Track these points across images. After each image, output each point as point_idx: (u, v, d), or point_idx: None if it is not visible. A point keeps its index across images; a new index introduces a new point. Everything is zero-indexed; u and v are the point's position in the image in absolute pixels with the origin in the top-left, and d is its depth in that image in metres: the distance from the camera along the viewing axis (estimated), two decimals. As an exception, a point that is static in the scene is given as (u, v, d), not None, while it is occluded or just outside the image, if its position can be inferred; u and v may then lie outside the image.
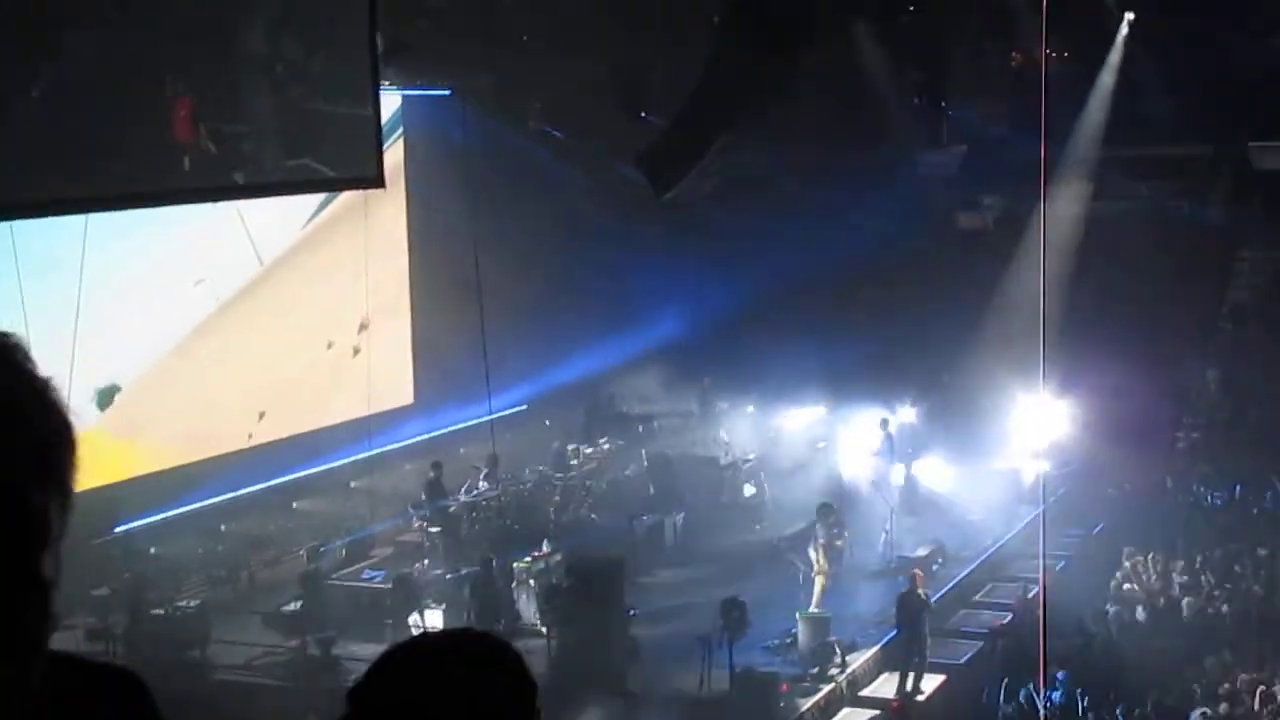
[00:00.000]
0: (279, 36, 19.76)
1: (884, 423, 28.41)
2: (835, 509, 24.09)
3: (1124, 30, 31.66)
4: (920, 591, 21.73)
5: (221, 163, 19.17)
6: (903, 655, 21.58)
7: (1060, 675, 20.20)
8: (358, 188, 24.44)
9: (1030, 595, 23.24)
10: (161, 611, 21.44)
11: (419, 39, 25.69)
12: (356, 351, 28.80)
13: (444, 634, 2.12)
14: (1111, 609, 23.34)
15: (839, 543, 23.63)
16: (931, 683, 21.52)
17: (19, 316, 17.64)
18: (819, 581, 23.08)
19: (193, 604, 21.84)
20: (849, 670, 21.45)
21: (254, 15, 19.56)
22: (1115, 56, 31.86)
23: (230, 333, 26.36)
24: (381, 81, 23.84)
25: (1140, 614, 23.20)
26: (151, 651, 19.63)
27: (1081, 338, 27.74)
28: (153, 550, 23.55)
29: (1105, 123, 32.25)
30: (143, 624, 20.97)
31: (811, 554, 23.33)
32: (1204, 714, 19.30)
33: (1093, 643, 21.99)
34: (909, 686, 21.22)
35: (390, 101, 27.67)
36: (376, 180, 22.28)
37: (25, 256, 20.47)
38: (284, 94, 19.87)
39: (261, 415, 26.85)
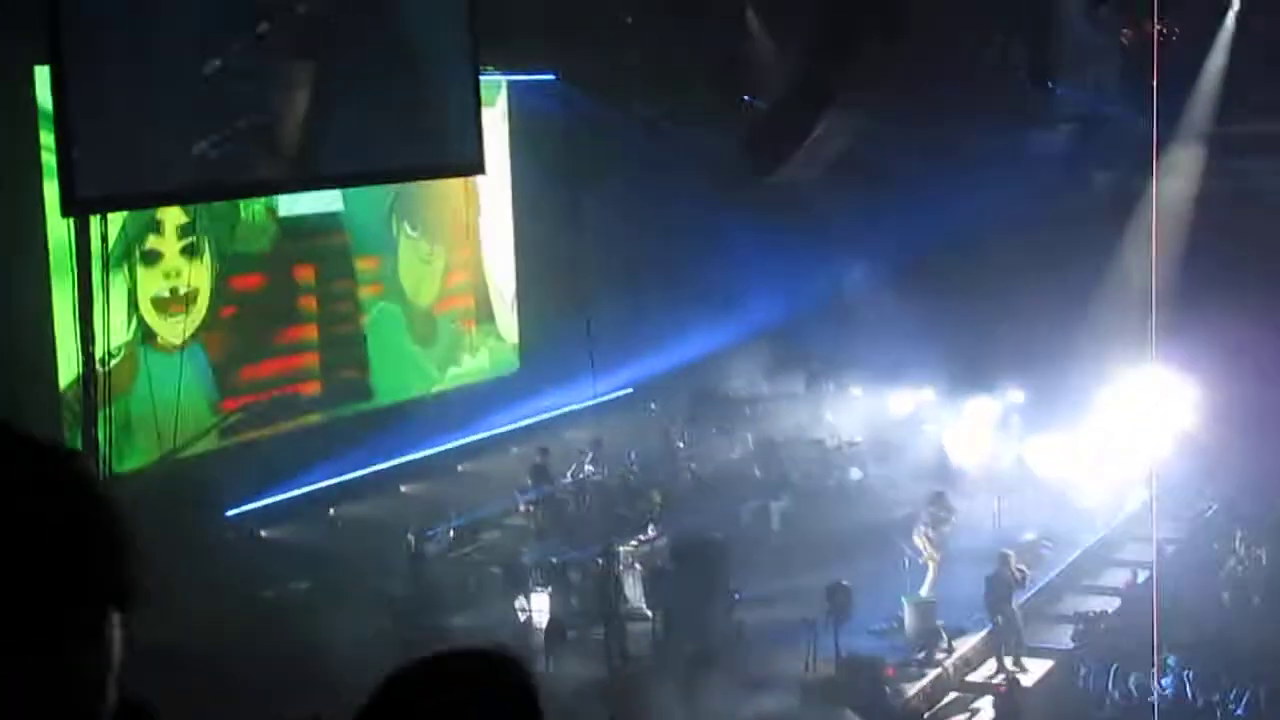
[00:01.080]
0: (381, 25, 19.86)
1: (992, 404, 28.18)
2: (942, 497, 23.92)
3: (1235, 5, 31.13)
4: (1014, 570, 21.55)
5: (322, 150, 19.32)
6: (997, 638, 21.43)
7: (1171, 661, 19.93)
8: (460, 174, 24.57)
9: (1140, 580, 22.98)
10: (272, 595, 21.67)
11: (521, 23, 25.74)
12: (466, 331, 29.15)
13: (453, 654, 2.09)
14: (1225, 594, 23.00)
15: (946, 529, 23.46)
16: (1040, 667, 21.33)
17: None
18: (930, 568, 22.94)
19: (302, 587, 22.05)
20: (955, 655, 21.31)
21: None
22: (1226, 33, 31.35)
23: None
24: (484, 66, 23.97)
25: (1255, 600, 22.83)
26: (263, 634, 19.84)
27: (1194, 317, 27.34)
28: (263, 534, 23.80)
29: (1216, 99, 31.76)
30: (254, 607, 21.19)
31: (917, 541, 23.19)
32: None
33: (1205, 628, 21.67)
34: (1008, 668, 21.06)
35: (493, 87, 27.83)
36: (477, 166, 22.40)
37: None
38: (385, 81, 19.97)
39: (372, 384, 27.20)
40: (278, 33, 18.36)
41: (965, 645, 21.59)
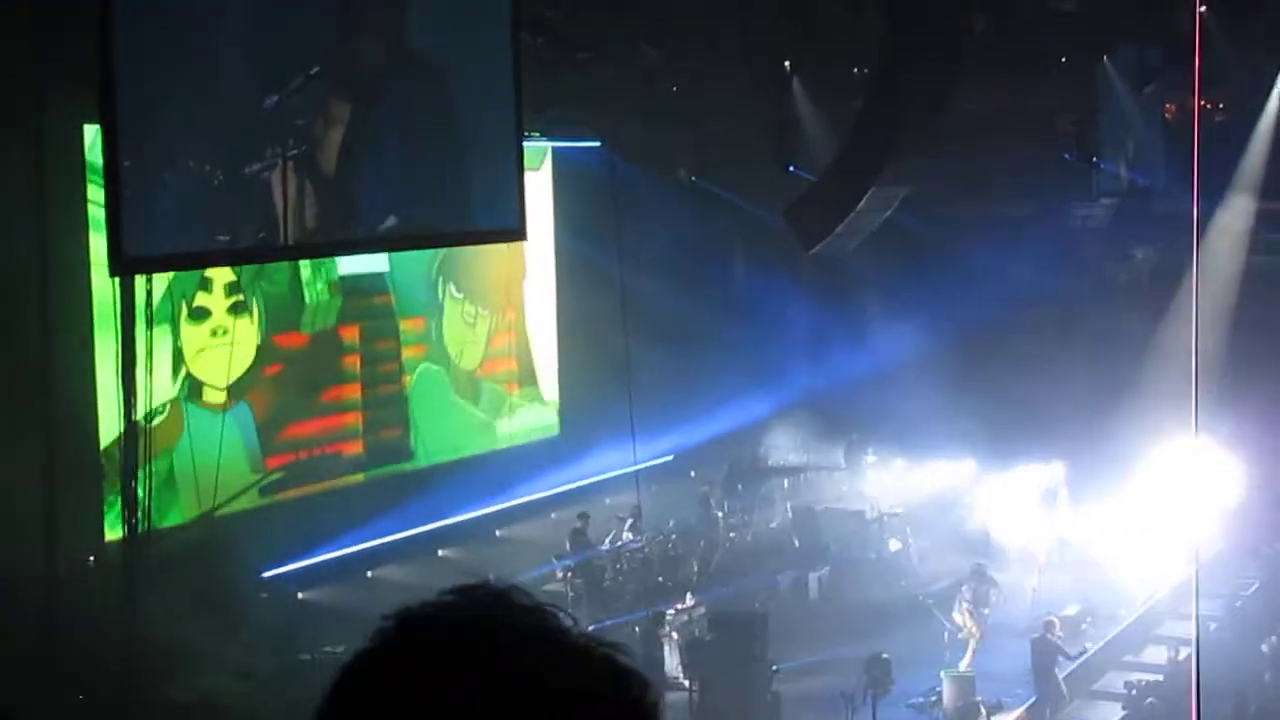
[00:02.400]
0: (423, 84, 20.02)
1: (1033, 477, 28.06)
2: (984, 572, 23.82)
3: (1280, 83, 31.13)
4: (1053, 638, 21.46)
5: (364, 212, 19.46)
6: (1039, 705, 21.31)
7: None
8: (501, 240, 24.68)
9: (1181, 657, 22.77)
10: (308, 657, 21.66)
11: (569, 91, 25.91)
12: (508, 394, 29.29)
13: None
14: (1267, 674, 22.78)
15: (985, 609, 23.34)
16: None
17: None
18: (970, 644, 22.83)
19: (339, 649, 22.01)
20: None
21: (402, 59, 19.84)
22: (1271, 109, 31.32)
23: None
24: (532, 133, 24.14)
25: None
26: (297, 696, 19.80)
27: (1238, 392, 27.22)
28: (300, 595, 23.82)
29: (1261, 176, 31.71)
30: (289, 668, 21.18)
31: (957, 617, 23.10)
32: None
33: (1247, 707, 21.46)
34: None
35: (539, 152, 28.05)
36: (519, 233, 22.50)
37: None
38: (430, 144, 20.12)
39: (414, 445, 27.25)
40: (328, 96, 18.55)
41: (1004, 720, 21.44)
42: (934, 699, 21.71)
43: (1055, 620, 22.04)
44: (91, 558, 21.16)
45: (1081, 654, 23.09)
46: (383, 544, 25.25)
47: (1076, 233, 34.02)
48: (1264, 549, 27.45)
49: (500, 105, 20.88)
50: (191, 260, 19.61)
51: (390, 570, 25.40)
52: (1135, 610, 25.16)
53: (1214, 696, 20.22)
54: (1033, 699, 21.85)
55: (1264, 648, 23.15)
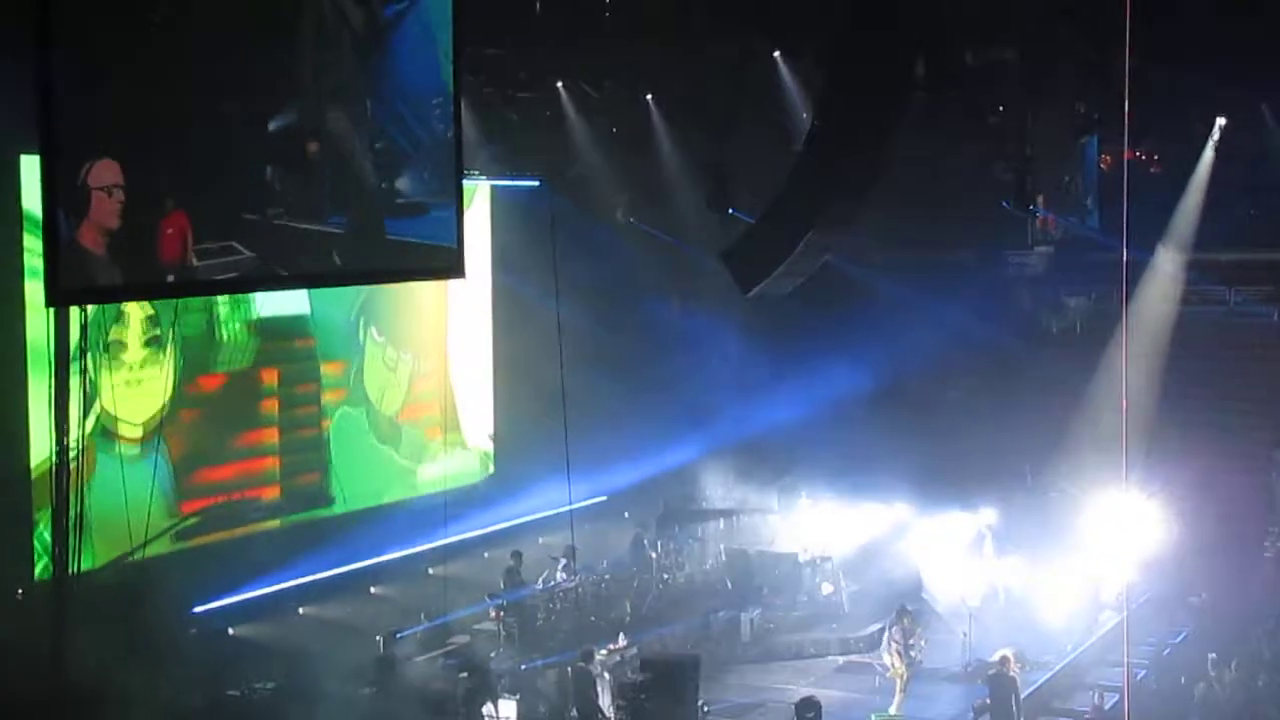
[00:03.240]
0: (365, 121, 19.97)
1: (965, 523, 28.17)
2: (911, 612, 23.90)
3: (1215, 135, 31.50)
4: (1011, 672, 21.63)
5: (306, 247, 19.34)
6: None
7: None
8: (439, 277, 24.60)
9: (1110, 705, 22.91)
10: (238, 693, 21.48)
11: (508, 130, 25.94)
12: (429, 440, 29.12)
13: None
14: (1195, 719, 22.93)
15: (914, 653, 23.41)
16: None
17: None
18: (897, 684, 22.89)
19: (269, 686, 21.87)
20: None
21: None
22: (1205, 160, 31.69)
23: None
24: (470, 170, 24.11)
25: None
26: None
27: (1168, 442, 27.47)
28: (230, 631, 23.63)
29: (1194, 226, 32.07)
30: (220, 705, 21.01)
31: (886, 657, 23.18)
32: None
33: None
34: None
35: (474, 190, 28.03)
36: (457, 269, 22.43)
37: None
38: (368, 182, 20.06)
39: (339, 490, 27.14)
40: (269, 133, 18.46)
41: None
42: (865, 743, 21.75)
43: (1010, 655, 22.13)
44: (19, 591, 20.98)
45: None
46: (314, 580, 25.09)
47: (1012, 280, 34.33)
48: (1192, 598, 27.65)
49: (440, 141, 20.85)
50: (127, 293, 19.44)
51: (321, 607, 25.25)
52: (1064, 657, 25.26)
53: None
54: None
55: (1194, 697, 23.30)
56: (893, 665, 23.01)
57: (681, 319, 31.10)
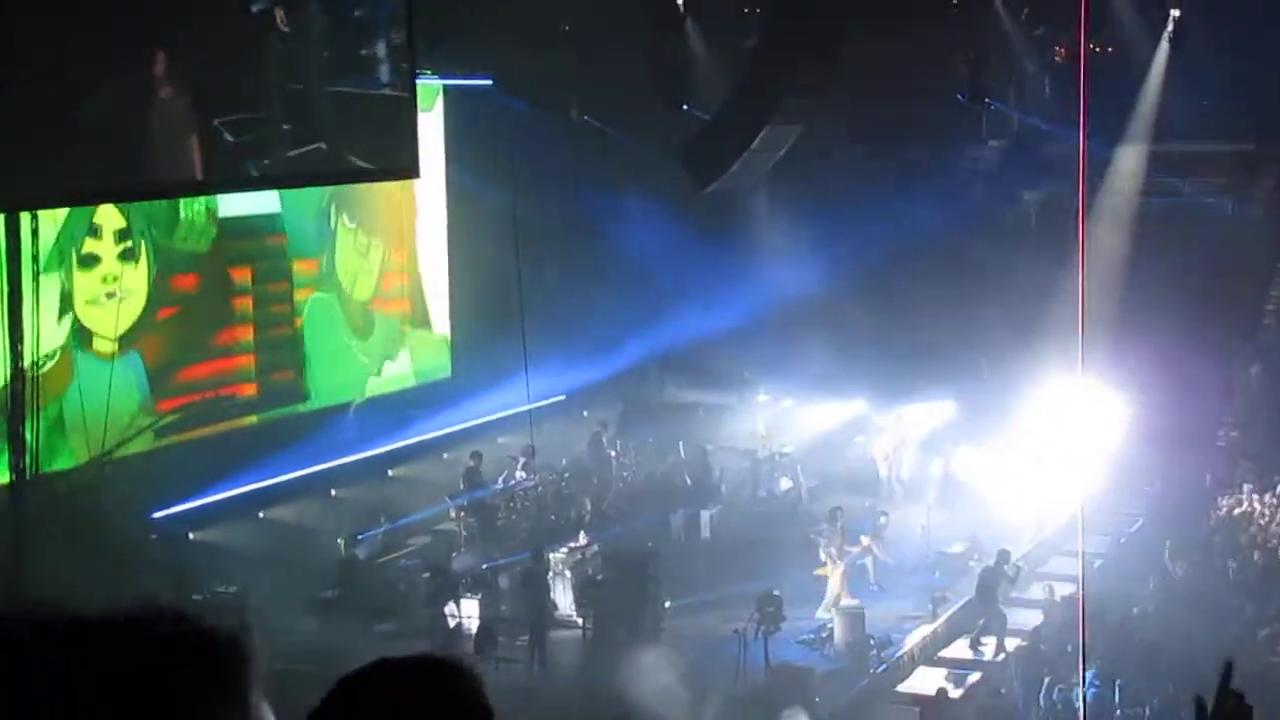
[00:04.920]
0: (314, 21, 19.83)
1: (922, 417, 28.35)
2: (842, 511, 24.20)
3: (1169, 26, 31.41)
4: (1006, 567, 22.72)
5: (247, 150, 19.25)
6: (985, 626, 22.29)
7: (1090, 674, 20.06)
8: (394, 178, 24.53)
9: (1067, 593, 23.16)
10: (200, 598, 21.51)
11: (460, 28, 25.69)
12: (403, 332, 29.15)
13: (403, 661, 2.10)
14: (1150, 607, 23.22)
15: (851, 546, 23.72)
16: (968, 679, 21.47)
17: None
18: (829, 582, 23.10)
19: (231, 590, 21.91)
20: (884, 665, 21.42)
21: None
22: (1161, 52, 31.63)
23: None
24: (423, 70, 23.92)
25: (1179, 612, 23.04)
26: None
27: (1124, 334, 27.58)
28: (191, 535, 23.63)
29: (1150, 119, 32.06)
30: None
31: (822, 554, 23.42)
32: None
33: (1130, 641, 21.86)
34: (987, 654, 21.77)
35: (430, 92, 27.81)
36: (412, 170, 22.38)
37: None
38: (318, 83, 19.93)
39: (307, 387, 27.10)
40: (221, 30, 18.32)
41: (894, 655, 21.70)
42: (825, 634, 21.93)
43: (1010, 550, 23.14)
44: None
45: (959, 599, 23.50)
46: (275, 484, 25.08)
47: (966, 175, 34.30)
48: (1146, 488, 27.91)
49: (393, 41, 20.73)
50: (77, 197, 19.33)
51: (283, 510, 25.25)
52: (1022, 547, 25.52)
53: (1098, 632, 20.65)
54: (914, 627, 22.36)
55: (1148, 585, 23.59)
56: (829, 561, 23.27)
57: (639, 217, 30.99)
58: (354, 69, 20.54)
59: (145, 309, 23.97)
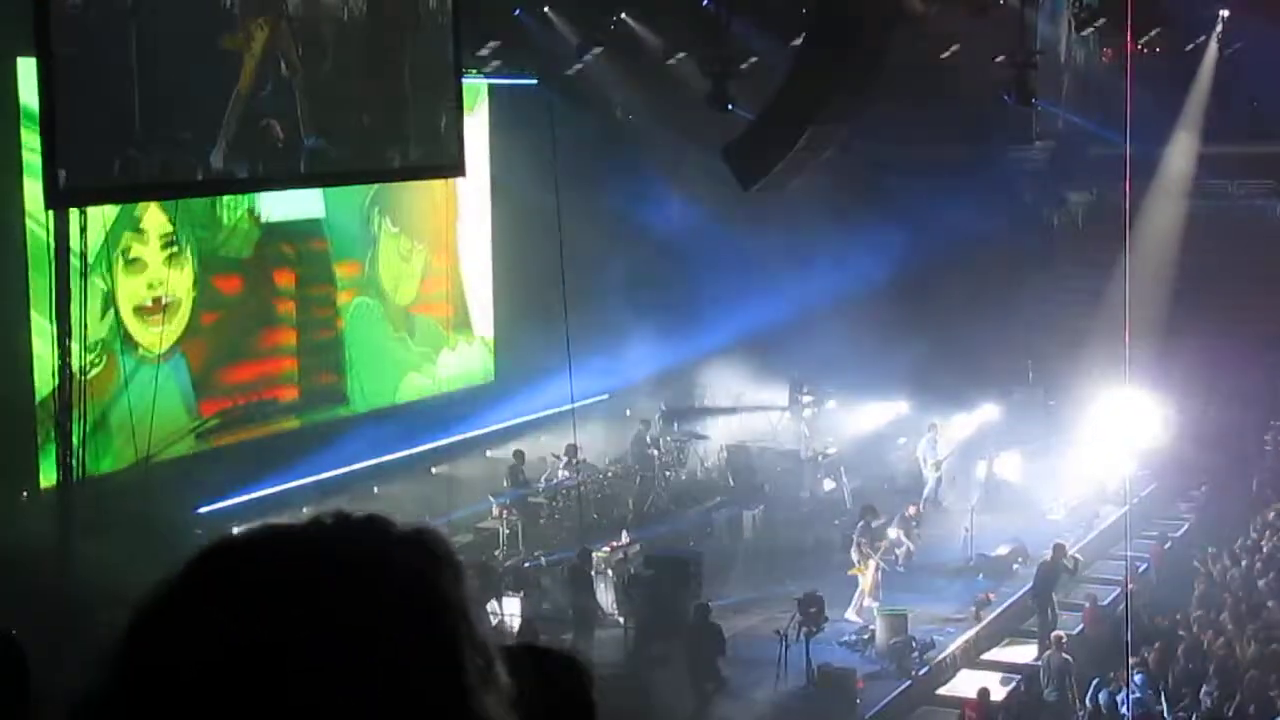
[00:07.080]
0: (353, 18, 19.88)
1: (967, 419, 28.24)
2: (875, 510, 24.07)
3: (1219, 26, 31.24)
4: (1064, 560, 22.64)
5: (294, 150, 19.31)
6: (1039, 624, 22.32)
7: (1138, 678, 19.97)
8: (439, 176, 24.56)
9: (1112, 597, 23.06)
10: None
11: (505, 27, 25.70)
12: (445, 334, 29.16)
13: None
14: (1196, 611, 23.06)
15: (880, 543, 23.60)
16: (1011, 682, 21.38)
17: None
18: (861, 580, 22.98)
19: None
20: (926, 668, 21.35)
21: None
22: (1209, 53, 31.45)
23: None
24: (469, 70, 23.96)
25: (1224, 617, 22.88)
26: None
27: (1171, 336, 27.46)
28: (235, 531, 23.68)
29: (1198, 120, 31.88)
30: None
31: (853, 553, 23.29)
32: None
33: (1174, 645, 21.72)
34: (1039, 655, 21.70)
35: (475, 91, 27.85)
36: (457, 168, 22.42)
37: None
38: (367, 81, 19.99)
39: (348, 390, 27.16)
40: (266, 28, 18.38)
41: (937, 657, 21.62)
42: (867, 636, 21.87)
43: (1065, 543, 23.12)
44: (24, 493, 21.03)
45: (1003, 601, 23.43)
46: (319, 481, 25.14)
47: (1013, 176, 34.17)
48: (1192, 492, 27.76)
49: (439, 40, 20.76)
50: (127, 193, 19.42)
51: (327, 505, 25.02)
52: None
53: (1143, 635, 20.57)
54: (958, 632, 22.24)
55: (1194, 590, 23.43)
56: (858, 561, 23.16)
57: (686, 217, 30.96)
58: (400, 68, 20.57)
59: (191, 313, 24.03)
